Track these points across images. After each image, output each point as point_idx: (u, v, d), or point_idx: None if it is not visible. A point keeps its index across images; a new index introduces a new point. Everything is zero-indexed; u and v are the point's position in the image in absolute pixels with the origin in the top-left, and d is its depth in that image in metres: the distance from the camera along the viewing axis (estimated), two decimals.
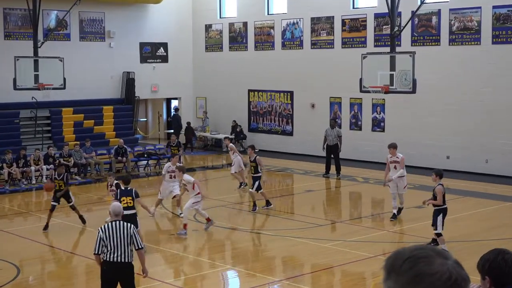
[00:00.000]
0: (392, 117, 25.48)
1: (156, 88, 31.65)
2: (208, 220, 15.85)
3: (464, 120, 23.43)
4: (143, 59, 31.18)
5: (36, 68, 21.81)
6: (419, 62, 19.16)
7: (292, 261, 13.96)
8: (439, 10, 23.85)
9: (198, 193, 15.57)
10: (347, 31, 26.68)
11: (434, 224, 13.68)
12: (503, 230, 15.88)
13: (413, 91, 18.51)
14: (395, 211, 16.83)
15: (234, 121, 30.41)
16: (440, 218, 13.54)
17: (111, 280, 9.64)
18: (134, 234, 9.57)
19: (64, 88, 22.60)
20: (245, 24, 30.37)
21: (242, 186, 21.47)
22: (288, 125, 29.24)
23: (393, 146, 16.75)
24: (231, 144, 22.65)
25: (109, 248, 9.41)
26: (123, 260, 9.45)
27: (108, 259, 9.45)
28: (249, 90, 30.56)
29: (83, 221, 16.44)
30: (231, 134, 30.24)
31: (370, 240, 15.13)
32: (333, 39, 27.15)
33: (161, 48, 31.70)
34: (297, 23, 28.42)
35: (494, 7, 22.47)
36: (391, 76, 18.50)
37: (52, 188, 16.41)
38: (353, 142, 25.91)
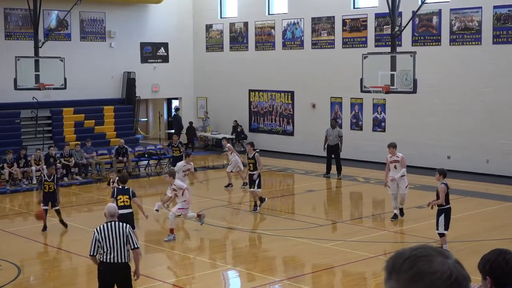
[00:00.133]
0: (393, 117, 25.48)
1: (157, 88, 31.67)
2: (199, 216, 15.79)
3: (465, 120, 23.43)
4: (144, 59, 31.19)
5: (37, 68, 21.82)
6: (419, 62, 19.17)
7: (293, 261, 13.96)
8: (440, 10, 23.85)
9: (185, 200, 15.44)
10: (347, 31, 26.68)
11: (437, 224, 13.51)
12: (504, 230, 15.87)
13: (414, 91, 18.51)
14: (396, 211, 16.80)
15: (235, 121, 30.41)
16: (442, 218, 13.38)
17: (109, 281, 9.59)
18: (130, 234, 9.53)
19: (65, 88, 22.61)
20: (245, 24, 30.38)
21: (230, 186, 21.77)
22: (289, 125, 29.25)
23: (392, 146, 16.70)
24: (228, 144, 22.72)
25: (105, 249, 9.36)
26: (119, 261, 9.42)
27: (104, 260, 9.42)
28: (250, 90, 30.57)
29: (65, 225, 16.27)
30: (231, 134, 30.28)
31: (371, 240, 15.13)
32: (333, 39, 27.16)
33: (162, 48, 31.71)
34: (297, 23, 28.43)
35: (495, 7, 22.47)
36: (392, 76, 18.50)
37: (43, 216, 16.18)
38: (354, 142, 25.91)
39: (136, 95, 30.32)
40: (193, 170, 18.93)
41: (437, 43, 24.03)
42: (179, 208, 15.35)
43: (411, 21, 21.19)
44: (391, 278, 2.13)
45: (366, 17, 26.01)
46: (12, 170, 22.42)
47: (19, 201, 20.98)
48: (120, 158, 24.72)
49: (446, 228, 13.42)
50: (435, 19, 24.02)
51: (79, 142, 25.30)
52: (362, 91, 19.66)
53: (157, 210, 16.86)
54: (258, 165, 18.14)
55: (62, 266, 13.80)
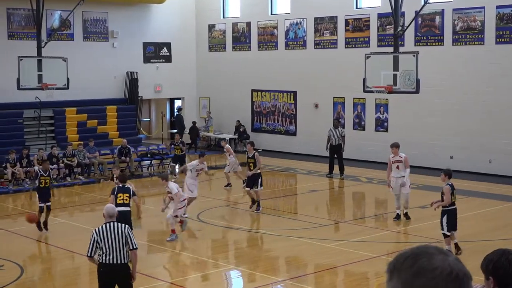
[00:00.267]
0: (396, 117, 25.46)
1: (160, 88, 31.68)
2: (173, 231, 15.20)
3: (468, 120, 23.40)
4: (147, 59, 31.21)
5: (39, 68, 21.85)
6: (422, 62, 19.16)
7: (296, 261, 13.96)
8: (443, 10, 23.82)
9: (184, 199, 15.41)
10: (350, 31, 26.67)
11: (441, 224, 13.40)
12: (507, 230, 15.85)
13: (417, 91, 18.48)
14: (398, 211, 16.76)
15: (238, 121, 30.42)
16: (444, 219, 13.26)
17: (109, 282, 9.54)
18: (129, 234, 9.47)
19: (68, 88, 22.64)
20: (248, 24, 30.38)
21: (229, 186, 21.77)
22: (292, 125, 29.24)
23: (395, 146, 16.63)
24: (227, 145, 22.73)
25: (104, 250, 9.31)
26: (119, 262, 9.36)
27: (104, 261, 9.36)
28: (253, 90, 30.57)
29: (45, 227, 16.01)
30: (234, 134, 30.29)
31: (373, 240, 15.12)
32: (336, 39, 27.15)
33: (165, 48, 31.73)
34: (300, 23, 28.42)
35: (497, 7, 22.44)
36: (395, 76, 18.48)
37: (36, 219, 16.13)
38: (357, 142, 25.91)
39: (139, 95, 30.33)
40: (206, 170, 18.91)
41: (439, 43, 24.01)
42: (178, 208, 15.28)
43: (413, 21, 21.17)
44: (393, 277, 2.14)
45: (369, 17, 26.00)
46: (15, 170, 22.46)
47: (21, 201, 20.99)
48: (123, 158, 24.74)
49: (451, 229, 13.26)
50: (437, 19, 24.00)
51: (81, 142, 25.33)
52: (364, 91, 19.65)
53: (185, 214, 17.05)
54: (258, 165, 18.05)
55: (64, 265, 13.80)
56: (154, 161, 26.30)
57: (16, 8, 27.07)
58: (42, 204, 15.97)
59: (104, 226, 9.48)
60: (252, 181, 17.93)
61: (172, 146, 24.44)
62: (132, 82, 30.15)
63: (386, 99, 25.18)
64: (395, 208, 16.85)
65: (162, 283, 12.59)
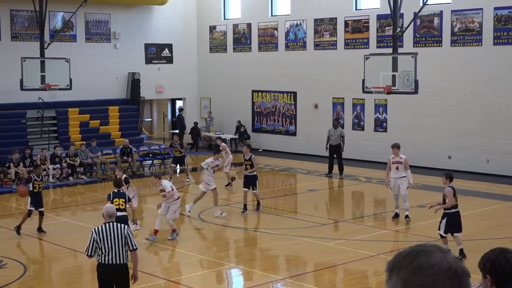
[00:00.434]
0: (394, 117, 25.46)
1: (161, 89, 31.68)
2: (155, 232, 15.02)
3: (466, 121, 23.39)
4: (148, 60, 31.21)
5: (42, 69, 21.84)
6: (421, 63, 19.15)
7: (296, 259, 13.96)
8: (441, 11, 23.82)
9: (178, 198, 15.25)
10: (349, 32, 26.67)
11: (439, 225, 13.25)
12: (505, 229, 15.85)
13: (415, 91, 18.47)
14: (397, 210, 16.73)
15: (239, 121, 30.42)
16: (444, 221, 13.09)
17: (108, 283, 9.46)
18: (129, 235, 9.39)
19: (70, 88, 22.63)
20: (249, 25, 30.38)
21: (230, 186, 21.75)
22: (292, 125, 29.24)
23: (396, 147, 16.57)
24: (223, 144, 22.70)
25: (103, 250, 9.24)
26: (118, 262, 9.28)
27: (103, 262, 9.30)
28: (253, 91, 30.57)
29: (40, 231, 15.87)
30: (235, 134, 30.31)
31: (372, 239, 15.12)
32: (336, 40, 27.14)
33: (166, 49, 31.72)
34: (300, 24, 28.42)
35: (495, 8, 22.44)
36: (393, 76, 18.48)
37: (26, 193, 16.00)
38: (356, 142, 25.90)
39: (141, 96, 30.33)
40: (221, 166, 18.88)
41: (438, 44, 24.00)
42: (175, 212, 15.12)
43: (412, 23, 21.17)
44: (392, 275, 2.14)
45: (368, 19, 25.99)
46: (18, 169, 22.47)
47: (25, 199, 20.95)
48: (125, 157, 24.75)
49: (447, 231, 13.10)
50: (436, 20, 24.00)
51: (84, 142, 25.35)
52: (364, 91, 19.64)
53: (222, 213, 17.20)
54: (254, 165, 17.99)
55: (67, 264, 13.80)
56: (155, 161, 26.30)
57: (19, 10, 27.08)
58: (32, 209, 15.66)
59: (103, 226, 9.39)
60: (249, 182, 17.86)
61: (171, 148, 24.30)
62: (134, 82, 30.16)
63: (385, 99, 25.17)
64: (394, 207, 16.84)
65: (163, 281, 12.59)
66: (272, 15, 29.69)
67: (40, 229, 15.91)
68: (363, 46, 25.90)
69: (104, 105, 29.13)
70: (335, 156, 23.50)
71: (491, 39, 22.61)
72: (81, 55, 27.85)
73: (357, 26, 26.38)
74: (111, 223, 9.42)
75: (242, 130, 30.17)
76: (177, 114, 32.86)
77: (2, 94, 26.13)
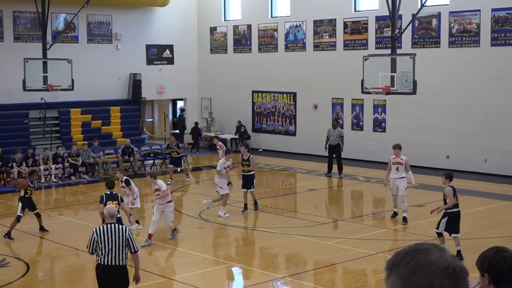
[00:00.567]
0: (393, 117, 25.46)
1: (162, 89, 31.68)
2: (149, 236, 14.77)
3: (464, 121, 23.40)
4: (150, 61, 31.21)
5: (45, 70, 21.85)
6: (419, 64, 19.14)
7: (295, 258, 13.96)
8: (439, 13, 23.82)
9: (171, 200, 15.09)
10: (349, 33, 26.67)
11: (438, 223, 13.17)
12: (503, 228, 15.85)
13: (414, 92, 18.47)
14: (395, 209, 16.71)
15: (239, 121, 30.43)
16: (444, 220, 13.02)
17: (107, 284, 9.42)
18: (130, 237, 9.31)
19: (72, 89, 22.65)
20: (249, 26, 30.38)
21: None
22: (291, 125, 29.24)
23: (397, 147, 16.44)
24: (220, 143, 22.68)
25: (103, 251, 9.20)
26: (117, 263, 9.22)
27: (102, 263, 9.25)
28: (253, 91, 30.57)
29: (43, 230, 15.82)
30: (235, 134, 30.31)
31: (371, 238, 15.12)
32: (335, 41, 27.14)
33: (167, 50, 31.72)
34: (300, 25, 28.42)
35: (493, 9, 22.44)
36: (392, 77, 18.48)
37: (26, 185, 15.83)
38: (355, 142, 25.90)
39: (142, 96, 30.34)
40: (232, 166, 18.80)
41: (436, 45, 24.00)
42: (171, 212, 14.94)
43: (411, 24, 21.17)
44: (392, 274, 2.15)
45: (367, 20, 25.99)
46: (21, 169, 22.47)
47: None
48: (126, 157, 24.76)
49: (448, 230, 13.02)
50: (434, 21, 24.00)
51: (86, 142, 25.34)
52: (363, 92, 19.63)
53: (225, 213, 17.17)
54: (252, 166, 17.95)
55: (69, 263, 13.81)
56: (157, 161, 26.31)
57: (22, 11, 27.08)
58: (21, 214, 15.42)
59: (104, 226, 9.36)
60: (248, 183, 17.84)
61: (168, 148, 24.18)
62: (136, 83, 30.16)
63: (384, 100, 25.18)
64: (393, 206, 16.81)
65: (164, 280, 12.59)
66: (272, 17, 29.69)
67: (42, 228, 15.88)
68: (362, 47, 25.90)
69: (105, 105, 29.14)
70: (334, 156, 23.50)
71: (488, 40, 22.61)
72: (83, 56, 27.86)
73: (356, 27, 26.39)
74: (112, 225, 9.36)
75: (242, 130, 30.18)
76: (178, 114, 32.87)
77: (5, 94, 26.14)
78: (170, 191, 20.71)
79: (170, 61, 31.87)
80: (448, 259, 2.12)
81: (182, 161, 23.69)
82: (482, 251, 4.17)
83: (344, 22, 26.71)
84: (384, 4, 20.42)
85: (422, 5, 20.40)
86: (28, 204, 15.66)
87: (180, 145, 24.11)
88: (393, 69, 18.48)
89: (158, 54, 31.48)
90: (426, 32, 24.27)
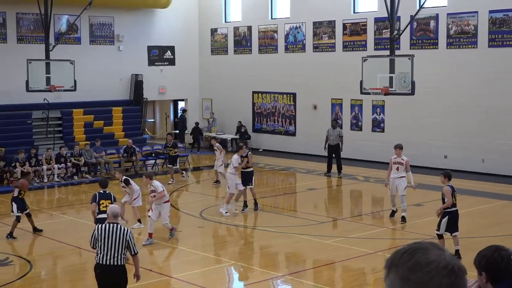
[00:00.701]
0: (392, 118, 25.45)
1: (164, 90, 31.68)
2: (150, 235, 14.69)
3: (462, 121, 23.39)
4: (151, 62, 31.21)
5: (47, 71, 21.83)
6: (417, 65, 19.14)
7: (295, 257, 13.96)
8: (437, 14, 23.82)
9: (167, 201, 14.94)
10: (348, 34, 26.66)
11: (438, 225, 13.03)
12: (500, 228, 15.84)
13: (412, 93, 18.48)
14: (394, 208, 16.66)
15: (239, 121, 30.43)
16: (445, 220, 12.91)
17: (106, 284, 9.42)
18: (130, 239, 9.29)
19: (75, 90, 22.64)
20: (249, 28, 30.37)
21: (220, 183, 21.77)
22: (291, 125, 29.24)
23: (399, 147, 16.34)
24: (217, 144, 22.70)
25: (101, 250, 9.20)
26: (115, 263, 9.21)
27: (100, 262, 9.25)
28: (253, 92, 30.57)
29: (38, 230, 15.66)
30: (235, 134, 30.31)
31: (370, 237, 15.12)
32: (334, 43, 27.14)
33: (168, 51, 31.72)
34: (299, 27, 28.41)
35: (490, 11, 22.43)
36: (391, 78, 18.47)
37: (27, 185, 15.71)
38: (354, 142, 25.89)
39: (144, 97, 30.34)
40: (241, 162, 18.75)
41: (434, 47, 24.00)
42: (168, 215, 14.84)
43: (409, 25, 21.17)
44: (391, 273, 2.14)
45: (366, 21, 25.99)
46: (24, 169, 22.46)
47: (30, 198, 20.92)
48: (127, 156, 24.81)
49: (449, 230, 12.93)
50: (432, 23, 23.99)
51: (88, 142, 25.35)
52: (361, 92, 19.63)
53: (227, 212, 17.12)
54: (250, 161, 17.94)
55: (71, 261, 13.80)
56: (158, 161, 26.30)
57: (25, 13, 27.08)
58: (19, 214, 15.32)
59: (106, 225, 9.35)
60: (247, 179, 17.82)
61: (166, 148, 24.12)
62: (137, 84, 30.16)
63: (383, 100, 25.18)
64: (391, 206, 16.77)
65: (166, 278, 12.58)
66: (272, 18, 29.69)
67: (35, 229, 15.66)
68: (361, 48, 25.90)
69: (108, 106, 29.14)
70: (333, 155, 23.50)
71: (486, 42, 22.61)
72: (85, 57, 27.85)
73: (355, 29, 26.38)
74: (114, 225, 9.34)
75: (242, 130, 30.18)
76: (179, 114, 32.88)
77: (8, 95, 26.14)
78: (172, 191, 20.80)
79: (172, 62, 31.87)
80: (447, 258, 2.11)
81: (178, 160, 23.55)
82: (480, 250, 4.17)
83: (343, 24, 26.71)
84: (382, 6, 20.42)
85: (420, 7, 20.41)
86: (22, 205, 15.50)
87: (180, 144, 24.11)
88: (392, 70, 18.47)
89: (160, 55, 31.48)
90: (424, 33, 24.27)
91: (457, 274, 2.09)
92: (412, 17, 20.93)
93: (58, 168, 23.30)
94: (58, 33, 27.12)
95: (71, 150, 24.40)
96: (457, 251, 12.84)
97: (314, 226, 16.27)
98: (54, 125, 27.31)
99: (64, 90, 22.53)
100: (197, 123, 30.80)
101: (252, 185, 17.80)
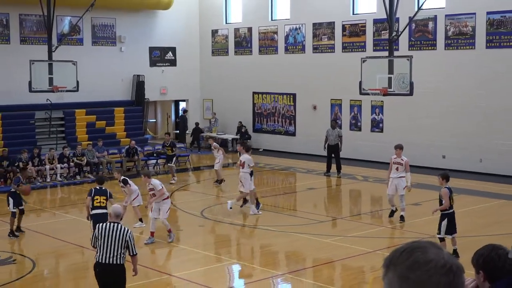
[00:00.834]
0: (390, 118, 25.45)
1: (165, 91, 31.69)
2: (152, 234, 14.66)
3: (460, 122, 23.39)
4: (153, 63, 31.21)
5: (50, 72, 21.84)
6: (416, 66, 19.14)
7: (295, 255, 13.96)
8: (435, 16, 23.82)
9: (168, 197, 14.88)
10: (347, 36, 26.66)
11: (439, 228, 12.99)
12: (498, 226, 15.84)
13: (410, 93, 18.48)
14: (392, 208, 16.61)
15: (240, 122, 30.43)
16: (444, 223, 12.89)
17: (105, 282, 9.41)
18: (130, 240, 9.28)
19: (77, 90, 22.64)
20: (249, 29, 30.37)
21: (218, 183, 21.79)
22: (291, 125, 29.24)
23: (399, 148, 16.30)
24: (215, 143, 22.69)
25: (101, 249, 9.20)
26: (114, 262, 9.21)
27: (99, 261, 9.26)
28: (254, 93, 30.57)
29: (20, 230, 15.42)
30: (236, 134, 30.32)
31: (369, 235, 15.12)
32: (334, 44, 27.14)
33: (170, 52, 31.73)
34: (299, 28, 28.41)
35: (488, 13, 22.43)
36: (389, 79, 18.47)
37: (30, 191, 15.77)
38: (353, 142, 25.89)
39: (145, 97, 30.34)
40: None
41: (432, 48, 24.00)
42: (166, 211, 14.68)
43: (408, 27, 21.17)
44: (389, 271, 2.14)
45: (365, 23, 25.99)
46: (27, 168, 22.46)
47: (33, 198, 20.96)
48: (130, 157, 24.86)
49: (449, 232, 12.91)
50: (430, 24, 23.99)
51: (91, 142, 25.37)
52: (361, 93, 19.63)
53: (230, 208, 17.05)
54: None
55: (74, 260, 13.80)
56: (159, 160, 26.30)
57: (28, 14, 27.09)
58: (15, 210, 15.20)
59: (107, 224, 9.36)
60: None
61: (164, 147, 24.07)
62: (139, 84, 30.16)
63: (382, 101, 25.18)
64: (390, 206, 16.69)
65: (167, 276, 12.59)
66: (272, 20, 29.69)
67: (18, 228, 15.39)
68: (360, 50, 25.89)
69: (110, 106, 29.13)
70: (333, 155, 23.50)
71: (483, 43, 22.60)
72: (87, 58, 27.86)
73: (354, 30, 26.38)
74: (115, 224, 9.36)
75: (243, 130, 30.18)
76: (180, 115, 32.87)
77: (11, 95, 26.14)
78: (173, 190, 20.80)
79: (173, 63, 31.87)
80: (445, 257, 2.11)
81: (174, 160, 23.40)
82: (478, 249, 4.17)
83: (343, 25, 26.71)
84: (381, 7, 20.41)
85: (419, 8, 20.40)
86: (17, 199, 15.35)
87: (181, 144, 24.11)
88: (391, 71, 18.47)
89: (161, 56, 31.48)
90: (422, 34, 24.27)
91: (455, 273, 2.10)
92: (410, 19, 20.93)
93: (61, 168, 23.31)
94: (60, 34, 27.13)
95: (73, 150, 24.41)
96: (455, 251, 12.83)
97: (313, 225, 16.28)
98: (56, 125, 27.31)
99: (67, 91, 22.53)
100: (197, 124, 30.80)
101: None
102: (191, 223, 16.88)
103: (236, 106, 31.06)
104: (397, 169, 16.23)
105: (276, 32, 29.34)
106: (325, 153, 23.86)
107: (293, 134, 29.17)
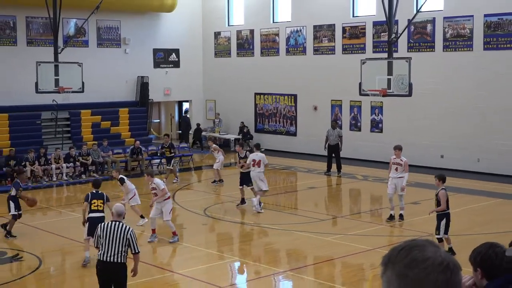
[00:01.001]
0: (390, 119, 25.44)
1: (169, 92, 31.70)
2: (153, 231, 14.58)
3: (459, 123, 23.36)
4: (156, 64, 31.22)
5: (56, 73, 21.84)
6: (415, 67, 19.13)
7: (296, 253, 13.95)
8: (434, 18, 23.80)
9: (169, 197, 14.79)
10: (347, 38, 26.65)
11: (438, 229, 12.99)
12: (495, 225, 15.82)
13: (409, 94, 18.46)
14: (392, 212, 16.41)
15: (242, 122, 30.44)
16: (443, 223, 12.88)
17: (106, 280, 9.37)
18: (132, 238, 9.23)
19: (83, 91, 22.65)
20: (251, 31, 30.37)
21: (217, 183, 21.84)
22: (292, 126, 29.23)
23: (398, 148, 16.24)
24: (214, 145, 22.65)
25: (103, 247, 9.16)
26: (115, 260, 9.17)
27: (101, 259, 9.22)
28: (256, 94, 30.57)
29: (4, 228, 15.22)
30: (238, 135, 30.32)
31: (369, 234, 15.11)
32: (334, 46, 27.13)
33: (173, 54, 31.74)
34: (300, 30, 28.40)
35: (485, 15, 22.41)
36: (389, 80, 18.46)
37: (35, 202, 15.52)
38: (353, 142, 25.88)
39: (149, 98, 30.36)
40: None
41: (431, 49, 23.98)
42: (169, 212, 14.57)
43: (406, 29, 21.14)
44: (387, 269, 2.14)
45: (365, 25, 25.98)
46: (34, 168, 22.51)
47: (40, 196, 20.97)
48: (134, 156, 24.88)
49: (446, 231, 12.94)
50: (429, 26, 23.97)
51: (96, 142, 25.38)
52: (360, 94, 19.62)
53: (256, 207, 17.13)
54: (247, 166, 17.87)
55: (80, 258, 13.80)
56: (163, 160, 26.25)
57: (34, 17, 27.11)
58: (16, 213, 15.09)
59: (109, 223, 9.33)
60: (245, 180, 17.77)
61: (163, 148, 23.96)
62: (143, 86, 30.18)
63: (381, 102, 25.16)
64: (389, 208, 16.53)
65: (170, 273, 12.59)
66: (273, 22, 29.68)
67: (9, 233, 15.11)
68: (360, 51, 25.88)
69: (114, 107, 29.14)
70: (333, 155, 23.49)
71: (481, 45, 22.58)
72: (93, 60, 27.88)
73: (354, 32, 26.36)
74: (117, 223, 9.33)
75: (245, 130, 30.19)
76: (182, 116, 32.89)
77: (18, 96, 26.17)
78: (176, 189, 20.81)
79: (176, 64, 31.88)
80: (443, 255, 2.11)
81: (172, 161, 23.34)
82: (475, 247, 4.16)
83: (343, 27, 26.69)
84: (381, 10, 20.40)
85: (418, 11, 20.38)
86: (18, 203, 15.23)
87: (184, 144, 24.10)
88: (390, 72, 18.45)
89: (165, 57, 31.49)
90: (421, 36, 24.25)
91: (452, 270, 2.09)
92: (409, 21, 20.90)
93: (67, 167, 23.33)
94: (66, 36, 27.15)
95: (79, 149, 24.43)
96: (450, 249, 12.82)
97: (314, 223, 16.27)
98: (62, 125, 27.33)
99: (72, 92, 22.52)
100: (198, 124, 30.81)
101: (252, 185, 17.79)
102: (194, 222, 16.88)
103: (238, 107, 31.07)
104: (396, 169, 16.20)
105: (277, 34, 29.34)
106: (325, 153, 23.85)
107: (294, 134, 29.17)
